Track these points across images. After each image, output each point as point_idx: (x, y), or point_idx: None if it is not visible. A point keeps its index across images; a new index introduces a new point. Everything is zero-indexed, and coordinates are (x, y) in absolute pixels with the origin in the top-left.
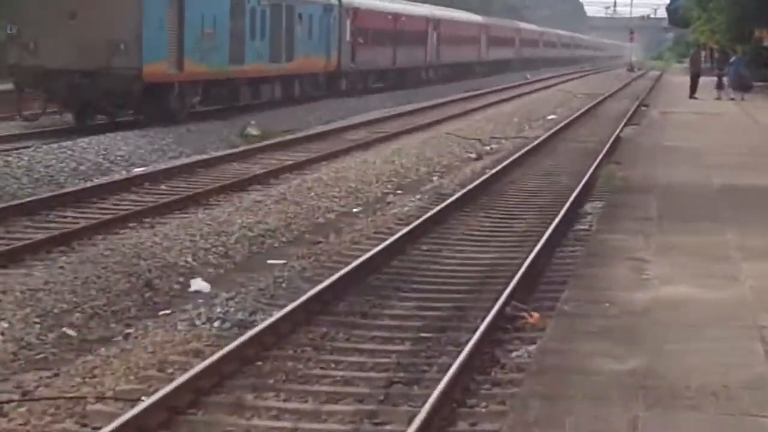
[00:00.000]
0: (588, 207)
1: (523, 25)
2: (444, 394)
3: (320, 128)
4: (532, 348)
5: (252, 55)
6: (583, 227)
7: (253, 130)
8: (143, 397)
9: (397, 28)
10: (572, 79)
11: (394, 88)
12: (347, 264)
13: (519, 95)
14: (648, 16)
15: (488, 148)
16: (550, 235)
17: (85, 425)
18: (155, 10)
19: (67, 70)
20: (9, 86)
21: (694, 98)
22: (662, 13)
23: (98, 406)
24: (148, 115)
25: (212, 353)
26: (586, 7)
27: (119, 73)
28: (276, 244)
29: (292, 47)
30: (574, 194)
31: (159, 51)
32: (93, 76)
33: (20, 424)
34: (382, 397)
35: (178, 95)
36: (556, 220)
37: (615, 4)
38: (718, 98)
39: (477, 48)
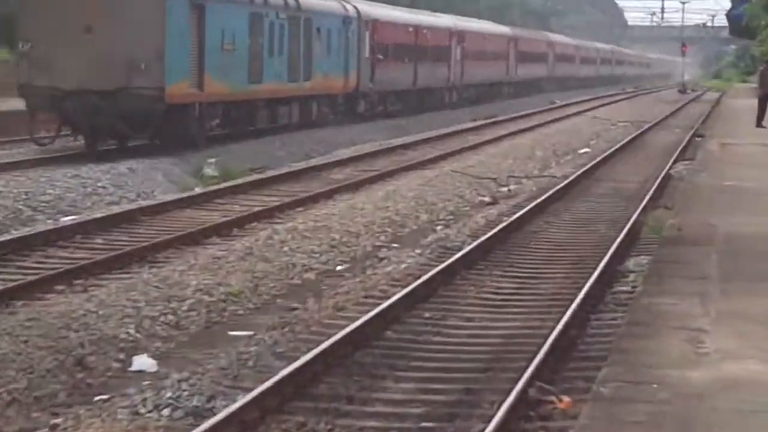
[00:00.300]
0: (631, 263)
1: (557, 37)
2: None
3: (297, 165)
4: None
5: (270, 74)
6: (624, 289)
7: (211, 170)
8: None
9: (418, 42)
10: (610, 103)
11: (414, 112)
12: (329, 336)
13: (543, 123)
14: (704, 25)
15: (505, 189)
16: (584, 299)
17: None
18: (177, 24)
19: (82, 90)
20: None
21: (763, 127)
22: (721, 21)
23: None
24: (167, 139)
25: None
26: (627, 14)
27: (140, 93)
28: (240, 312)
29: (310, 65)
30: (613, 247)
31: (181, 70)
32: (111, 96)
33: None
34: None
35: (199, 117)
36: (591, 280)
37: (663, 10)
38: None
39: (505, 65)
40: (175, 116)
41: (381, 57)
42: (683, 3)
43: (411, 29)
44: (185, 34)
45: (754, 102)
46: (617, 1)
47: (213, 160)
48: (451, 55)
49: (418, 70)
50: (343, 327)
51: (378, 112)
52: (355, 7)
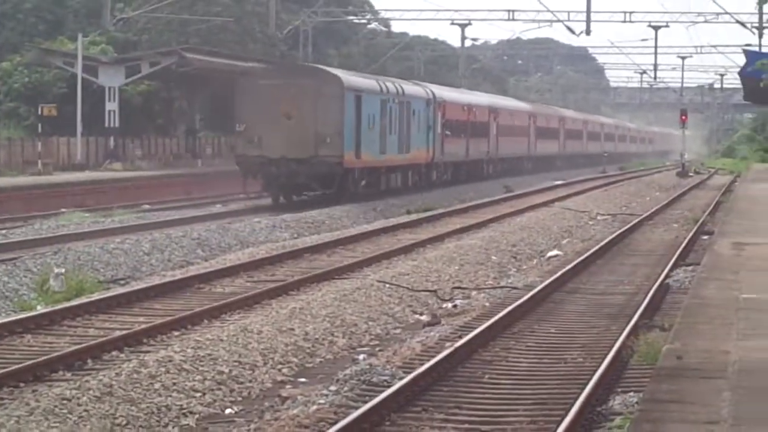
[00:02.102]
0: (616, 403)
1: (568, 112)
2: None
3: (171, 275)
4: None
5: (390, 147)
6: None
7: (57, 282)
8: None
9: (469, 119)
10: (586, 190)
11: (466, 181)
12: None
13: (495, 218)
14: (710, 87)
15: (449, 305)
16: None
17: None
18: (349, 110)
19: (282, 159)
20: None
21: None
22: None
23: None
24: (338, 193)
25: None
26: (608, 72)
27: (326, 160)
28: None
29: (408, 140)
30: (593, 382)
31: (351, 143)
32: (305, 162)
33: None
34: None
35: (357, 178)
36: (563, 426)
37: (655, 67)
38: None
39: (526, 141)
40: (344, 177)
41: (448, 133)
42: (682, 58)
43: (465, 108)
44: (353, 117)
45: None
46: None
47: (61, 270)
48: (489, 131)
49: (470, 144)
50: None
51: (444, 180)
52: (432, 91)
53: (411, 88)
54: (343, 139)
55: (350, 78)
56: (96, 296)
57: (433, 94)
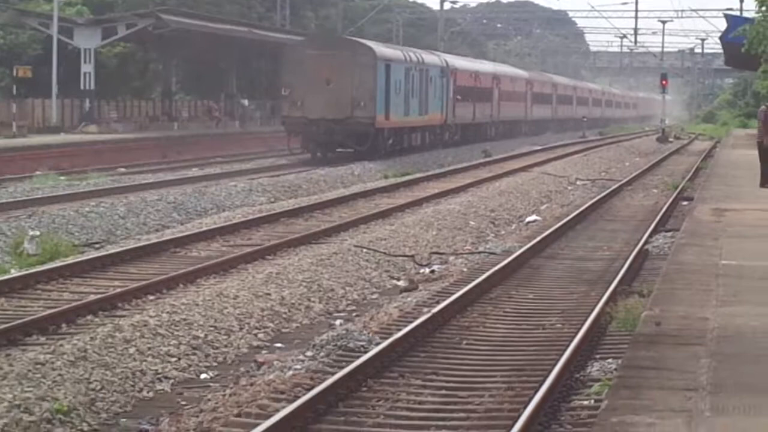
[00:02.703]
0: (594, 369)
1: (560, 79)
2: None
3: (146, 239)
4: None
5: (413, 110)
6: (585, 403)
7: (31, 246)
8: None
9: (476, 86)
10: (567, 155)
11: (473, 141)
12: None
13: (474, 183)
14: (691, 51)
15: (427, 270)
16: (531, 418)
17: None
18: (380, 79)
19: (322, 119)
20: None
21: None
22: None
23: None
24: (370, 150)
25: None
26: (588, 37)
27: (360, 121)
28: None
29: (427, 103)
30: (571, 348)
31: (381, 106)
32: (342, 123)
33: None
34: None
35: (386, 137)
36: (541, 392)
37: (636, 31)
38: None
39: (524, 105)
40: (374, 136)
41: (459, 98)
42: (663, 22)
43: (472, 75)
44: (383, 84)
45: (756, 153)
46: (577, 21)
47: (36, 233)
48: (492, 96)
49: (478, 109)
50: None
51: (455, 140)
52: (445, 60)
53: (429, 57)
54: (375, 102)
55: (381, 49)
56: (71, 260)
57: (447, 62)
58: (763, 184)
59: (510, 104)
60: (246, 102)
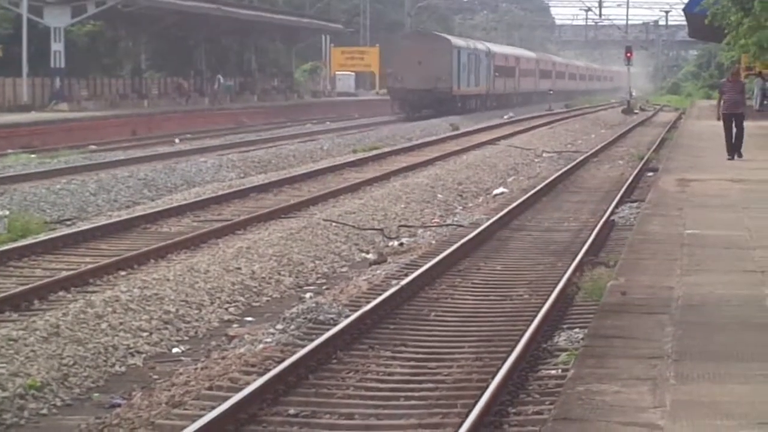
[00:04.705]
0: (561, 339)
1: (557, 58)
2: None
3: (117, 215)
4: None
5: (471, 83)
6: (552, 372)
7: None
8: None
9: (506, 65)
10: (533, 128)
11: (504, 107)
12: None
13: (441, 157)
14: (655, 23)
15: (395, 243)
16: (499, 387)
17: None
18: (454, 61)
19: (416, 89)
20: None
21: (736, 158)
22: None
23: None
24: (448, 110)
25: None
26: (553, 10)
27: (443, 90)
28: (44, 411)
29: (478, 78)
30: (538, 318)
31: (454, 80)
32: (429, 92)
33: None
34: None
35: (457, 101)
36: (509, 362)
37: (600, 5)
38: None
39: (534, 80)
40: (452, 101)
41: (497, 74)
42: None
43: (504, 57)
44: (456, 64)
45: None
46: None
47: (5, 212)
48: (515, 73)
49: (506, 82)
50: (181, 429)
51: (494, 106)
52: (488, 46)
53: (479, 44)
54: (451, 77)
55: (455, 40)
56: (42, 237)
57: (489, 48)
58: (730, 156)
59: (526, 79)
60: (221, 78)
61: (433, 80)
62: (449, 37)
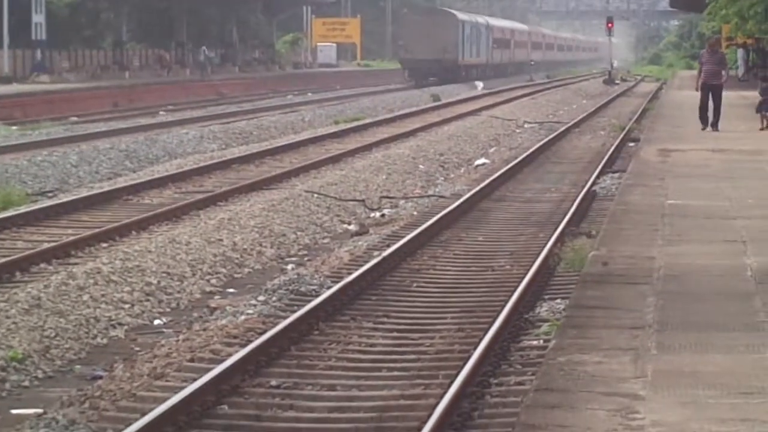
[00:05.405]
0: (543, 309)
1: (547, 30)
2: None
3: (98, 187)
4: None
5: (472, 53)
6: (534, 343)
7: None
8: None
9: (502, 37)
10: (515, 98)
11: (501, 75)
12: (145, 413)
13: (423, 128)
14: None
15: (377, 215)
16: (480, 359)
17: None
18: (459, 33)
19: (425, 59)
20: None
21: (714, 130)
22: None
23: None
24: (453, 78)
25: None
26: None
27: (449, 60)
28: (26, 383)
29: (479, 49)
30: (520, 289)
31: (459, 51)
32: (437, 62)
33: None
34: None
35: (461, 71)
36: (491, 333)
37: None
38: (764, 128)
39: (526, 51)
40: (457, 70)
41: (495, 46)
42: None
43: (500, 30)
44: (461, 36)
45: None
46: None
47: None
48: (510, 45)
49: (502, 53)
50: (163, 401)
51: (492, 75)
52: (487, 20)
53: (480, 18)
54: (457, 48)
55: (459, 14)
56: (23, 209)
57: (488, 22)
58: (710, 126)
59: (520, 50)
60: (206, 50)
61: (440, 51)
62: (455, 12)
